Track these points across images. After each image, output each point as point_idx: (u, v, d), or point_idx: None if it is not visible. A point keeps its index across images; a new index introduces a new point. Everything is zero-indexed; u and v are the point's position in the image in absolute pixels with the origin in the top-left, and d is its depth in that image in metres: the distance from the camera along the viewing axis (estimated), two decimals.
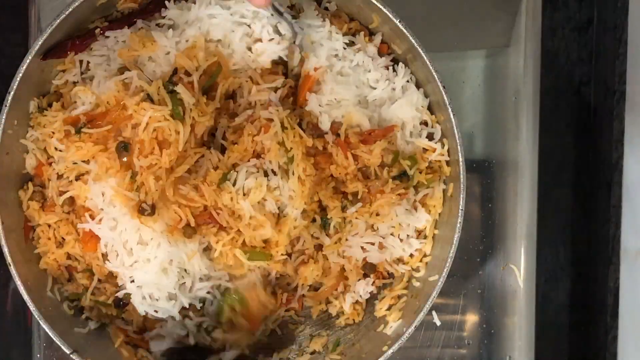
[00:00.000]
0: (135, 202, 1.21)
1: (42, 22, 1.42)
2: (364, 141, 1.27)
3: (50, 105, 1.28)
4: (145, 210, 1.22)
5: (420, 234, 1.33)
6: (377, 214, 1.28)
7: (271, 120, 1.23)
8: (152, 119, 1.19)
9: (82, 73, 1.28)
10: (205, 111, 1.23)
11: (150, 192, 1.21)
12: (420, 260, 1.32)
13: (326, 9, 1.33)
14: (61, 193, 1.27)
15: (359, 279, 1.35)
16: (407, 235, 1.32)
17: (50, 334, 1.22)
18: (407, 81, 1.31)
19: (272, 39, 1.28)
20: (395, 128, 1.28)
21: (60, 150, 1.25)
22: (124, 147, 1.21)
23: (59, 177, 1.27)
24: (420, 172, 1.30)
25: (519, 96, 1.42)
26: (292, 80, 1.30)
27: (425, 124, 1.32)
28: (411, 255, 1.33)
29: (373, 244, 1.31)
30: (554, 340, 1.56)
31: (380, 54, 1.32)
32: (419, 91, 1.31)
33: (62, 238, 1.29)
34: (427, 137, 1.31)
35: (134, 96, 1.21)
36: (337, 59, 1.30)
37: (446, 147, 1.29)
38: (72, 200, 1.27)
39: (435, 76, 1.22)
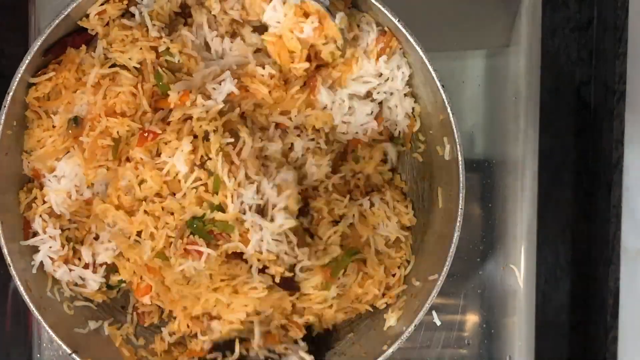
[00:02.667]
0: None
1: (42, 22, 1.42)
2: None
3: None
4: None
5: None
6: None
7: None
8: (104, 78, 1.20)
9: None
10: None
11: None
12: None
13: None
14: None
15: None
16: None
17: (50, 334, 1.22)
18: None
19: None
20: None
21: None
22: (74, 120, 1.21)
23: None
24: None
25: (519, 96, 1.42)
26: None
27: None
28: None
29: None
30: (554, 340, 1.55)
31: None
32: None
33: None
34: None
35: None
36: None
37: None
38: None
39: (435, 76, 1.21)
